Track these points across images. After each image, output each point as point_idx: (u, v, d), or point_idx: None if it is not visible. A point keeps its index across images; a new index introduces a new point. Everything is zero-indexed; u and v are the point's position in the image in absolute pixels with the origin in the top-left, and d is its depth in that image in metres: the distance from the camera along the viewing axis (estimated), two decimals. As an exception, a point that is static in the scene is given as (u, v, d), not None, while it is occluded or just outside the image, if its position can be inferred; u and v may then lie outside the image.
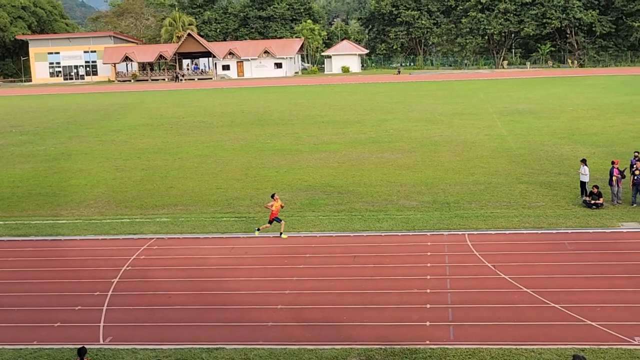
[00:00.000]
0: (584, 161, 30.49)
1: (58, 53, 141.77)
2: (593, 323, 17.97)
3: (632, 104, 62.45)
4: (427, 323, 18.45)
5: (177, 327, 18.94)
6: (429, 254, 24.01)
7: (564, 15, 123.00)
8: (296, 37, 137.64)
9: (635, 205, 28.80)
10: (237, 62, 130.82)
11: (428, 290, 20.65)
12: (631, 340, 16.97)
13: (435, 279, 21.55)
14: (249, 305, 20.13)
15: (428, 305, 19.55)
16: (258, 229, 27.00)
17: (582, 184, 30.09)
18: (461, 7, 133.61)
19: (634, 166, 29.15)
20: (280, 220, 26.65)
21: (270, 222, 26.68)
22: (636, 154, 30.52)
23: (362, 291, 20.85)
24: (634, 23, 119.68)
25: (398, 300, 20.05)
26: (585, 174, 29.95)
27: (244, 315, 19.49)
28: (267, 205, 27.18)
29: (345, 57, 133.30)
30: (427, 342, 17.35)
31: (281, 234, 26.60)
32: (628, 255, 23.06)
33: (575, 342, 16.99)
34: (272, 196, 27.02)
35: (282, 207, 27.13)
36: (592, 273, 21.57)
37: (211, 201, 32.84)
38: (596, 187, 28.97)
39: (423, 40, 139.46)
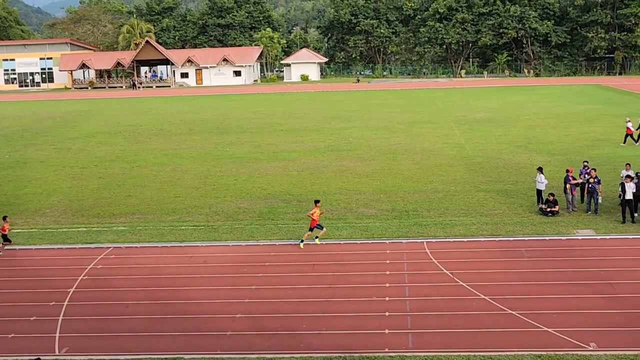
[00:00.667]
0: (540, 169, 30.89)
1: (13, 60, 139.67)
2: (549, 329, 18.18)
3: (587, 113, 63.50)
4: (386, 331, 18.50)
5: (134, 337, 18.73)
6: (387, 262, 24.08)
7: (520, 25, 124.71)
8: (255, 45, 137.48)
9: (589, 212, 29.24)
10: (196, 69, 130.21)
11: (387, 298, 20.71)
12: (586, 346, 17.20)
13: (394, 287, 21.62)
14: (208, 315, 19.99)
15: (387, 313, 19.60)
16: (302, 241, 26.22)
17: (539, 191, 30.46)
18: (419, 17, 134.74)
19: (587, 175, 29.68)
20: (322, 228, 26.36)
21: (311, 229, 26.25)
22: (585, 163, 30.99)
23: (321, 299, 20.84)
24: (588, 34, 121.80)
25: (357, 308, 20.07)
26: (541, 182, 30.33)
27: (202, 324, 19.34)
28: (309, 213, 26.71)
29: (305, 65, 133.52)
30: (386, 350, 17.39)
31: (316, 237, 26.32)
32: (583, 262, 23.38)
33: (531, 349, 17.17)
34: (316, 202, 26.67)
35: (322, 213, 26.74)
36: (548, 280, 21.83)
37: (169, 210, 32.58)
38: (552, 194, 29.38)
39: (382, 49, 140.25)
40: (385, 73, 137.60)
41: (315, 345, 17.83)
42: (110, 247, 26.88)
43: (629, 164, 30.88)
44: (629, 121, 47.64)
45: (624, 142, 46.47)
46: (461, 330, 18.36)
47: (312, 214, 26.19)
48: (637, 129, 46.91)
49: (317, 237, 26.39)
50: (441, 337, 18.00)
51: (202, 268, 24.24)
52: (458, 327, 18.54)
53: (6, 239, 26.83)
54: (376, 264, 23.92)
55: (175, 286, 22.46)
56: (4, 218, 27.28)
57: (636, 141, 46.36)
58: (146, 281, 23.04)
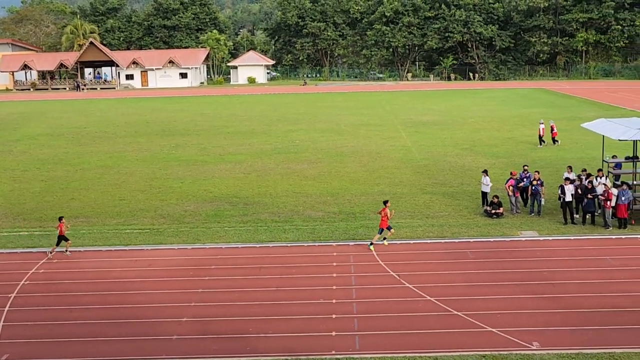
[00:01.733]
0: (485, 172, 31.28)
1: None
2: (494, 329, 18.41)
3: (530, 117, 64.51)
4: (333, 333, 18.52)
5: (78, 342, 18.41)
6: (334, 264, 24.12)
7: (466, 29, 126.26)
8: (202, 47, 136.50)
9: (533, 214, 29.72)
10: (141, 71, 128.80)
11: (334, 301, 20.73)
12: (529, 346, 17.46)
13: (341, 289, 21.66)
14: (154, 319, 19.77)
15: (334, 316, 19.63)
16: (371, 243, 25.86)
17: (484, 194, 30.85)
18: (366, 20, 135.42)
19: (526, 179, 30.21)
20: (391, 228, 26.04)
21: (380, 230, 25.90)
22: (525, 167, 31.50)
23: (268, 302, 20.77)
24: (531, 38, 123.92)
25: (304, 310, 20.05)
26: (487, 184, 30.72)
27: (147, 329, 19.11)
28: (378, 211, 26.52)
29: (252, 67, 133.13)
30: (333, 352, 17.42)
31: (384, 239, 26.08)
32: (526, 263, 23.75)
33: (476, 349, 17.36)
34: (385, 203, 26.23)
35: (392, 215, 26.46)
36: (493, 281, 22.12)
37: (114, 213, 32.13)
38: (496, 197, 29.79)
39: (329, 52, 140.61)
40: (332, 76, 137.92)
41: (262, 348, 17.76)
42: (53, 252, 26.36)
43: (570, 167, 31.47)
44: (542, 122, 49.32)
45: (540, 144, 48.18)
46: (407, 332, 18.48)
47: (383, 214, 25.78)
48: (551, 132, 48.69)
49: (385, 239, 26.12)
50: (387, 339, 18.09)
51: (148, 272, 23.96)
52: (404, 329, 18.66)
53: (64, 239, 26.03)
54: (323, 266, 23.93)
55: (120, 290, 22.15)
56: (60, 219, 26.57)
57: (541, 143, 48.16)
58: (90, 285, 22.68)
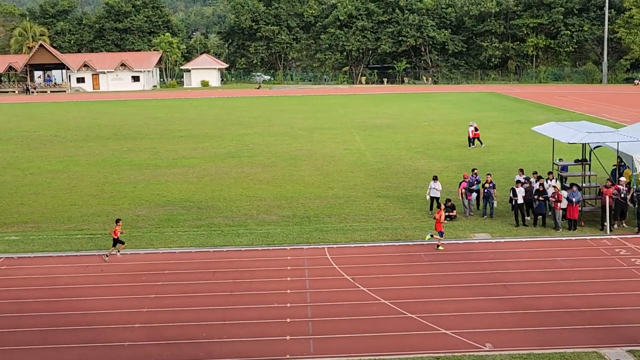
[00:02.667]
0: (435, 178, 31.44)
1: None
2: (447, 331, 18.51)
3: (482, 120, 65.12)
4: (288, 337, 18.44)
5: (28, 349, 18.04)
6: (289, 268, 24.05)
7: (419, 33, 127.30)
8: (154, 50, 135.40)
9: (486, 216, 30.01)
10: (93, 74, 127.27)
11: (288, 305, 20.66)
12: (482, 347, 17.60)
13: (296, 293, 21.59)
14: (105, 325, 19.46)
15: (288, 320, 19.55)
16: (438, 247, 25.92)
17: (433, 199, 30.97)
18: (320, 24, 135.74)
19: (477, 182, 30.56)
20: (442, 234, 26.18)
21: (441, 233, 26.02)
22: (475, 171, 31.82)
23: (221, 307, 20.61)
24: (483, 43, 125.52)
25: (258, 315, 19.94)
26: (437, 190, 30.88)
27: (99, 335, 18.81)
28: (435, 215, 26.62)
29: (205, 71, 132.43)
30: (288, 357, 17.34)
31: (432, 236, 26.44)
32: (479, 265, 23.96)
33: (431, 351, 17.44)
34: (439, 206, 26.81)
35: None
36: (446, 283, 22.26)
37: (65, 218, 31.61)
38: (449, 200, 30.00)
39: (283, 55, 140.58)
40: (286, 79, 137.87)
41: (216, 353, 17.61)
42: (1, 258, 25.85)
43: (522, 170, 31.84)
44: (472, 125, 50.24)
45: (470, 146, 49.35)
46: (362, 335, 18.48)
47: (438, 216, 26.05)
48: (477, 133, 49.95)
49: (432, 235, 26.35)
50: (342, 342, 18.07)
51: (99, 277, 23.60)
52: (359, 332, 18.65)
53: (119, 242, 25.71)
54: (277, 270, 23.84)
55: (71, 297, 21.77)
56: (117, 221, 26.14)
57: (471, 145, 49.35)
58: (40, 292, 22.26)
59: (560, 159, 33.07)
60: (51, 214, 32.49)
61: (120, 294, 21.95)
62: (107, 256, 25.48)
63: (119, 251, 25.84)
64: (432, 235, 26.42)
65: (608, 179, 28.79)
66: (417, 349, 17.59)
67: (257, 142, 54.35)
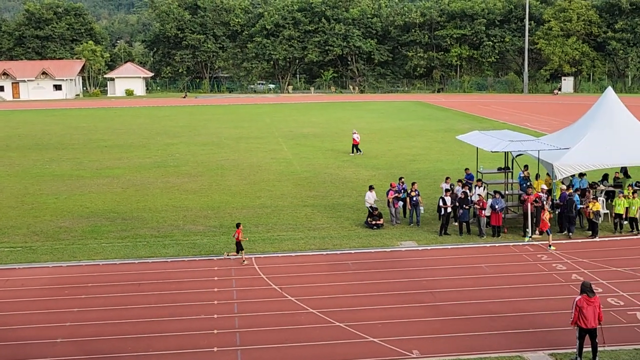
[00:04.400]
0: (371, 187, 31.50)
1: None
2: (375, 339, 18.58)
3: (408, 129, 66.10)
4: (215, 349, 18.23)
5: (-58, 369, 17.37)
6: (216, 278, 23.82)
7: (345, 43, 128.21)
8: (77, 58, 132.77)
9: (412, 224, 30.32)
10: (13, 83, 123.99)
11: (215, 316, 20.44)
12: (410, 354, 17.73)
13: (223, 304, 21.38)
14: (26, 341, 18.88)
15: (215, 331, 19.34)
16: (550, 246, 26.83)
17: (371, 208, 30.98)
18: (247, 33, 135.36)
19: (403, 190, 30.87)
20: (550, 233, 27.08)
21: (547, 232, 27.13)
22: (402, 179, 32.14)
23: (147, 319, 20.25)
24: (409, 53, 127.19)
25: (185, 327, 19.65)
26: (375, 199, 30.88)
27: (19, 351, 18.24)
28: (542, 216, 27.23)
29: (129, 79, 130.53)
30: (215, 369, 17.13)
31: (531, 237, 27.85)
32: (406, 273, 24.16)
33: (359, 359, 17.47)
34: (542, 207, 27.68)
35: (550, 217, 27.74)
36: (374, 291, 22.37)
37: (-17, 231, 30.65)
38: (375, 208, 30.22)
39: (209, 64, 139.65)
40: (212, 89, 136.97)
41: (141, 367, 17.28)
42: None
43: (449, 178, 32.31)
44: (355, 132, 51.87)
45: (352, 152, 50.98)
46: (290, 345, 18.40)
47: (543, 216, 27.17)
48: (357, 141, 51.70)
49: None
50: (271, 353, 17.96)
51: (20, 292, 22.90)
52: (287, 342, 18.57)
53: (240, 247, 25.47)
54: (204, 281, 23.59)
55: (-12, 312, 21.08)
56: (237, 225, 25.78)
57: (354, 152, 51.03)
58: (-44, 308, 21.48)
59: (482, 167, 33.68)
60: (-32, 226, 31.44)
61: (41, 308, 21.34)
62: (243, 261, 25.55)
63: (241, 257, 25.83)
64: (531, 237, 27.85)
65: (528, 187, 29.43)
66: (345, 357, 17.61)
67: (183, 151, 53.79)
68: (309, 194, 37.36)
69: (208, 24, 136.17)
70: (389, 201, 30.66)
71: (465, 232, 29.02)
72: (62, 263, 25.81)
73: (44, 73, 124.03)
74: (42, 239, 29.18)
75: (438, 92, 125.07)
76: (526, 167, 32.25)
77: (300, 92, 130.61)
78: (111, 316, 20.58)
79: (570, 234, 28.43)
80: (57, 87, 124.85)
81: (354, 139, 51.16)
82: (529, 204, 27.92)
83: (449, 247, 27.42)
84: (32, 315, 20.86)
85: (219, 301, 21.64)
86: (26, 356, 17.96)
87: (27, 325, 20.00)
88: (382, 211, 30.51)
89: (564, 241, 27.75)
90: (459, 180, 31.84)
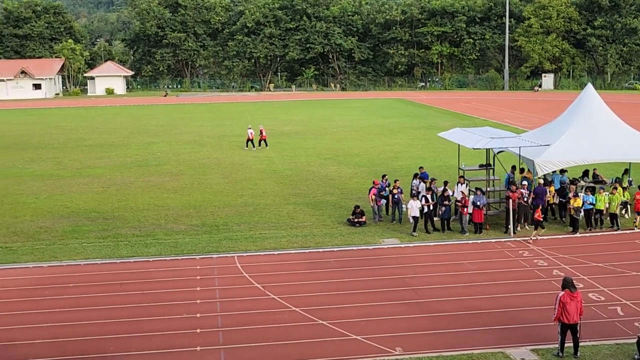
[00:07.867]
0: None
1: None
2: (358, 337, 18.59)
3: (390, 126, 66.14)
4: (198, 348, 18.17)
5: None
6: (198, 277, 23.73)
7: (326, 41, 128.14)
8: (56, 57, 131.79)
9: (395, 222, 30.36)
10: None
11: (198, 315, 20.37)
12: (393, 351, 17.76)
13: (205, 303, 21.32)
14: (4, 342, 18.72)
15: (198, 330, 19.27)
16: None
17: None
18: (228, 31, 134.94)
19: (387, 188, 30.94)
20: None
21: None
22: (385, 177, 32.19)
23: (129, 319, 20.14)
24: (390, 50, 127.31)
25: (167, 326, 19.57)
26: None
27: (0, 352, 18.11)
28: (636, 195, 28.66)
29: (110, 78, 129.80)
30: (198, 368, 17.08)
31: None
32: (389, 270, 24.19)
33: (342, 356, 17.49)
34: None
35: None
36: (357, 289, 22.37)
37: (-38, 231, 30.36)
38: (358, 206, 30.23)
39: (190, 63, 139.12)
40: (193, 87, 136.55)
41: (124, 367, 17.19)
42: None
43: (434, 179, 32.31)
44: (250, 128, 53.94)
45: (247, 147, 52.91)
46: (274, 343, 18.37)
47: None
48: (260, 134, 53.51)
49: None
50: (254, 351, 17.92)
51: (0, 293, 22.72)
52: (270, 340, 18.54)
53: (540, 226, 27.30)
54: (186, 280, 23.50)
55: (-32, 314, 20.89)
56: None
57: (255, 146, 52.88)
58: None
59: (464, 164, 33.74)
60: (-53, 227, 31.14)
61: (22, 309, 21.17)
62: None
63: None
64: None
65: (512, 184, 29.55)
66: (329, 355, 17.60)
67: (165, 150, 53.55)
68: (291, 192, 37.31)
69: (189, 22, 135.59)
70: (371, 199, 30.69)
71: (447, 229, 29.08)
72: (43, 263, 25.63)
73: (23, 72, 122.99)
74: (22, 239, 28.95)
75: (420, 89, 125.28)
76: (513, 167, 32.34)
77: (282, 90, 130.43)
78: (93, 316, 20.45)
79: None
80: (37, 86, 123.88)
81: (250, 134, 52.95)
82: (512, 201, 28.06)
83: (432, 244, 27.48)
84: (11, 316, 20.69)
85: (201, 300, 21.57)
86: (6, 357, 17.80)
87: (7, 327, 19.82)
88: (364, 209, 30.52)
89: (545, 237, 27.89)
90: (416, 174, 32.18)
